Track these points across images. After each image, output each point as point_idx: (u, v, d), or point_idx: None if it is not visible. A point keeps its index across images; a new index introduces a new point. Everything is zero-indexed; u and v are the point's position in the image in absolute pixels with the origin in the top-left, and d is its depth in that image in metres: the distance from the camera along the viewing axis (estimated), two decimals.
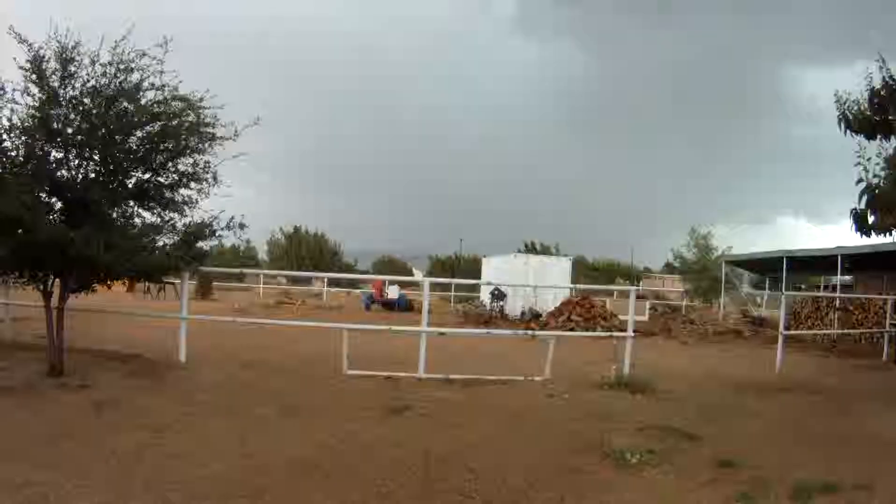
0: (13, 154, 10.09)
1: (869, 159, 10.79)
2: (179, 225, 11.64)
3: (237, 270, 22.32)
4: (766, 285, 39.87)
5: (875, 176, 10.73)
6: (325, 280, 47.81)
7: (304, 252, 62.71)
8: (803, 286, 40.45)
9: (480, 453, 7.61)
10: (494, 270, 36.14)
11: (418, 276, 62.75)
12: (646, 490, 6.59)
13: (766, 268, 35.33)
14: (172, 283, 15.92)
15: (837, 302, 25.79)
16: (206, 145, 11.32)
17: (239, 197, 11.82)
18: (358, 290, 48.30)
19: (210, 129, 11.25)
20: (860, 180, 10.75)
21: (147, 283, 11.54)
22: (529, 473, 6.97)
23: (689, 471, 7.22)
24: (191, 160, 11.36)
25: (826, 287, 33.60)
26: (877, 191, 10.61)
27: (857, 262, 27.12)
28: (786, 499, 6.42)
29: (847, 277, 32.17)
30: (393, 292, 36.94)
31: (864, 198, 10.75)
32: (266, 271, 36.81)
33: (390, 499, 6.17)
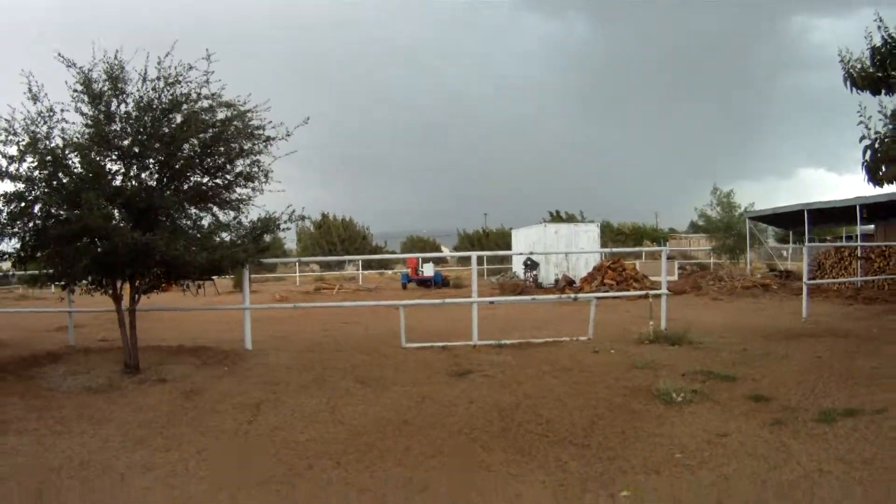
0: (77, 170, 10.58)
1: (870, 117, 11.42)
2: (246, 222, 12.25)
3: (282, 260, 22.87)
4: (790, 239, 40.43)
5: (876, 133, 11.41)
6: (360, 263, 48.65)
7: (335, 238, 63.27)
8: (828, 237, 41.01)
9: (545, 402, 8.64)
10: (525, 241, 36.53)
11: (446, 252, 63.33)
12: (692, 421, 7.60)
13: (789, 221, 35.81)
14: (212, 280, 16.61)
15: (859, 251, 26.44)
16: (262, 146, 11.86)
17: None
18: (390, 271, 49.17)
19: (262, 132, 11.78)
20: (863, 137, 11.45)
21: (187, 282, 12.07)
22: (591, 415, 8.02)
23: (728, 405, 8.21)
24: (247, 161, 11.90)
25: (850, 237, 34.01)
26: (876, 146, 11.34)
27: (877, 210, 27.62)
28: (812, 422, 7.35)
29: (870, 226, 32.75)
30: (428, 270, 37.47)
31: (868, 154, 11.47)
32: (302, 258, 37.27)
33: (479, 441, 7.22)
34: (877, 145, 11.27)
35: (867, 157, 11.39)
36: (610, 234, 61.31)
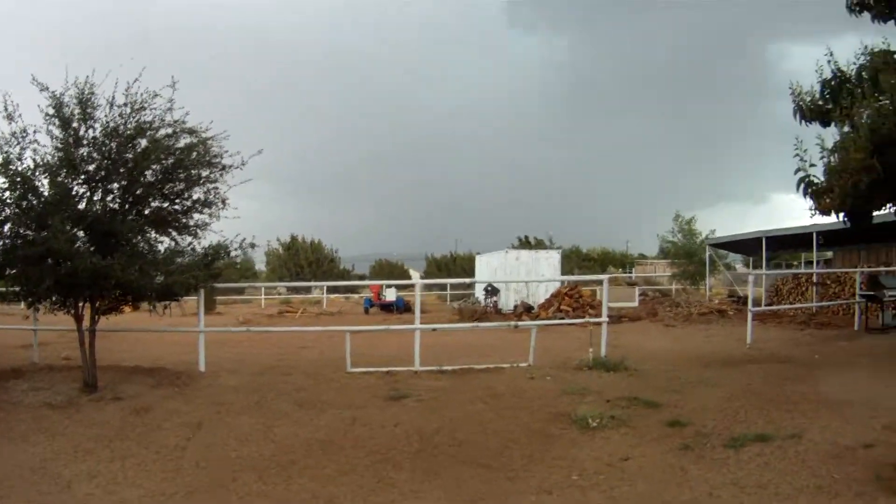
0: (43, 192, 10.81)
1: (806, 150, 11.64)
2: (199, 248, 12.46)
3: (246, 285, 23.06)
4: (750, 265, 40.86)
5: (811, 165, 11.60)
6: (325, 287, 48.87)
7: (303, 260, 63.31)
8: (794, 263, 41.45)
9: (465, 426, 8.93)
10: (487, 267, 37.11)
11: (415, 276, 63.50)
12: (601, 446, 7.90)
13: (750, 248, 36.02)
14: (178, 301, 16.80)
15: (815, 277, 26.83)
16: (218, 174, 12.12)
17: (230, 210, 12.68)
18: (356, 296, 49.29)
19: (220, 160, 12.04)
20: (798, 170, 11.68)
21: (153, 303, 12.20)
22: (506, 438, 8.31)
23: (641, 430, 8.48)
24: (204, 188, 12.15)
25: (813, 263, 34.43)
26: (809, 179, 11.56)
27: (834, 237, 27.98)
28: (720, 448, 7.63)
29: (829, 252, 33.22)
30: (391, 295, 37.65)
31: (801, 187, 11.69)
32: (267, 283, 37.38)
33: (392, 461, 7.59)
34: (809, 178, 11.49)
35: (800, 189, 11.60)
36: (577, 260, 61.80)
